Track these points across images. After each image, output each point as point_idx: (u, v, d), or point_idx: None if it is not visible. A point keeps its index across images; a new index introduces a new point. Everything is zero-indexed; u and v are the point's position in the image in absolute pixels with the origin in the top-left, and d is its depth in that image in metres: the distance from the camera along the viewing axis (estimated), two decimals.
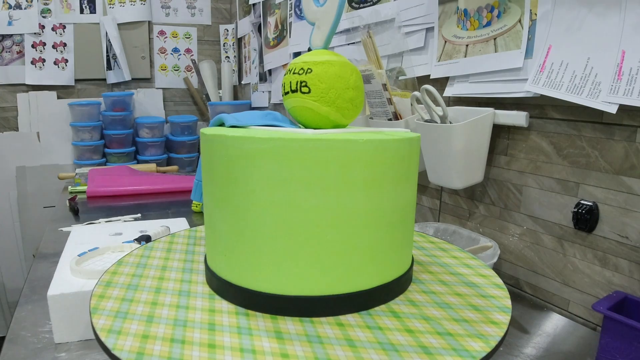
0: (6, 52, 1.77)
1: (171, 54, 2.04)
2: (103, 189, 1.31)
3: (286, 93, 0.45)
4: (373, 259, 0.41)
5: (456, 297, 0.44)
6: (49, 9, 1.80)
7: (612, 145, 0.62)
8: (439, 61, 0.87)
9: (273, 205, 0.38)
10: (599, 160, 0.63)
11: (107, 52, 1.90)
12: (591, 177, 0.65)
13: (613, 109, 0.58)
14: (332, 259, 0.39)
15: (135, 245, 0.69)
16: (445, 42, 0.85)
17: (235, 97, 2.09)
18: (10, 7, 1.74)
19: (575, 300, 0.68)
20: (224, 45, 2.09)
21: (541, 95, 0.67)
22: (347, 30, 1.13)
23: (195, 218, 1.09)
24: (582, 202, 0.65)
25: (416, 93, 0.77)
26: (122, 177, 1.41)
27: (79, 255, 0.63)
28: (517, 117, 0.73)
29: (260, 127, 0.46)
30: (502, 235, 0.79)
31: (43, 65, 1.82)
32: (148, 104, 2.02)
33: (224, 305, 0.41)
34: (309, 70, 0.43)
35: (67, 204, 1.17)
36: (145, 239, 0.72)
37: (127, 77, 1.92)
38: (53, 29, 1.82)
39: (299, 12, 1.43)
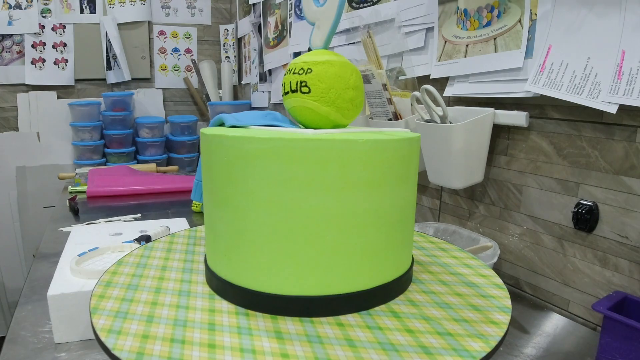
0: (6, 52, 1.77)
1: (171, 54, 2.04)
2: (103, 189, 1.31)
3: (286, 93, 0.45)
4: (373, 259, 0.41)
5: (456, 297, 0.44)
6: (49, 9, 1.80)
7: (612, 145, 0.62)
8: (439, 61, 0.87)
9: (273, 205, 0.38)
10: (599, 160, 0.63)
11: (107, 52, 1.90)
12: (591, 177, 0.65)
13: (613, 109, 0.58)
14: (332, 259, 0.39)
15: (135, 245, 0.69)
16: (445, 42, 0.85)
17: (235, 97, 2.09)
18: (10, 7, 1.74)
19: (575, 300, 0.68)
20: (224, 45, 2.09)
21: (541, 95, 0.67)
22: (347, 30, 1.13)
23: (195, 218, 1.09)
24: (582, 202, 0.65)
25: (416, 93, 0.77)
26: (122, 177, 1.41)
27: (79, 255, 0.63)
28: (517, 117, 0.73)
29: (260, 127, 0.46)
30: (502, 235, 0.79)
31: (43, 65, 1.82)
32: (148, 104, 2.02)
33: (224, 305, 0.41)
34: (309, 70, 0.43)
35: (67, 204, 1.17)
36: (145, 239, 0.72)
37: (127, 77, 1.92)
38: (53, 29, 1.82)
39: (299, 12, 1.43)
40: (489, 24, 0.76)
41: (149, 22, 1.97)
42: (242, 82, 2.01)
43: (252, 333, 0.37)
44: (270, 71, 1.67)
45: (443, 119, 0.78)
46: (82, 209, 1.16)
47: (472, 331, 0.37)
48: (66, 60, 1.86)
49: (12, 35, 1.77)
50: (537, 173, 0.72)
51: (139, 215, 1.10)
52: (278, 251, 0.39)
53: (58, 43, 1.83)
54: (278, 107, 1.65)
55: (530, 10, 0.69)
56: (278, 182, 0.38)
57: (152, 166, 1.66)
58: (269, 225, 0.38)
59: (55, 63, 1.84)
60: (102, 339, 0.36)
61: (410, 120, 0.86)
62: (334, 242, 0.39)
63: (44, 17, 1.80)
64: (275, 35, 1.59)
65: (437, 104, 0.76)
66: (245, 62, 1.96)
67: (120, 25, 1.90)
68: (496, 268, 0.79)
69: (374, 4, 1.03)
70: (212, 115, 1.90)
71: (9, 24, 1.75)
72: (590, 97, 0.60)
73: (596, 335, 0.63)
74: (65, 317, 0.55)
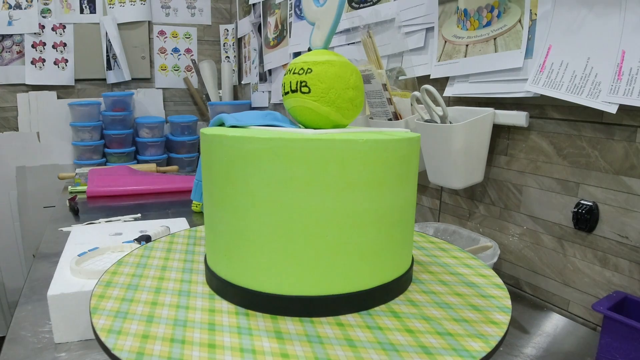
0: (6, 52, 1.77)
1: (171, 54, 2.04)
2: (103, 189, 1.31)
3: (286, 93, 0.45)
4: (373, 259, 0.41)
5: (456, 297, 0.44)
6: (49, 9, 1.80)
7: (612, 145, 0.62)
8: (439, 61, 0.87)
9: (273, 205, 0.38)
10: (599, 160, 0.63)
11: (107, 52, 1.90)
12: (591, 177, 0.65)
13: (613, 109, 0.58)
14: (332, 259, 0.39)
15: (135, 245, 0.69)
16: (445, 42, 0.85)
17: (235, 97, 2.09)
18: (10, 7, 1.74)
19: (575, 300, 0.68)
20: (224, 45, 2.09)
21: (541, 95, 0.67)
22: (347, 30, 1.13)
23: (195, 218, 1.09)
24: (582, 202, 0.65)
25: (416, 93, 0.77)
26: (122, 177, 1.41)
27: (79, 255, 0.63)
28: (517, 117, 0.73)
29: (260, 127, 0.46)
30: (502, 235, 0.79)
31: (43, 65, 1.82)
32: (148, 104, 2.02)
33: (224, 305, 0.41)
34: (309, 70, 0.43)
35: (67, 204, 1.17)
36: (145, 239, 0.72)
37: (127, 77, 1.92)
38: (53, 29, 1.82)
39: (299, 12, 1.43)
40: (489, 24, 0.76)
41: (149, 22, 1.97)
42: (242, 82, 2.01)
43: (252, 333, 0.37)
44: (270, 71, 1.67)
45: (443, 119, 0.78)
46: (82, 209, 1.16)
47: (472, 331, 0.37)
48: (66, 60, 1.86)
49: (12, 35, 1.77)
50: (537, 173, 0.72)
51: (139, 215, 1.10)
52: (278, 251, 0.39)
53: (58, 43, 1.83)
54: (278, 107, 1.65)
55: (530, 10, 0.69)
56: (278, 182, 0.38)
57: (152, 166, 1.66)
58: (269, 225, 0.38)
59: (55, 63, 1.84)
60: (102, 339, 0.36)
61: (410, 120, 0.86)
62: (334, 242, 0.39)
63: (44, 17, 1.80)
64: (275, 35, 1.59)
65: (437, 104, 0.76)
66: (245, 62, 1.96)
67: (120, 25, 1.90)
68: (496, 268, 0.79)
69: (374, 4, 1.03)
70: (212, 115, 1.90)
71: (9, 24, 1.75)
72: (590, 97, 0.60)
73: (596, 335, 0.63)
74: (65, 317, 0.55)
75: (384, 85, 0.86)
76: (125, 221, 1.00)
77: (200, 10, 2.05)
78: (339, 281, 0.39)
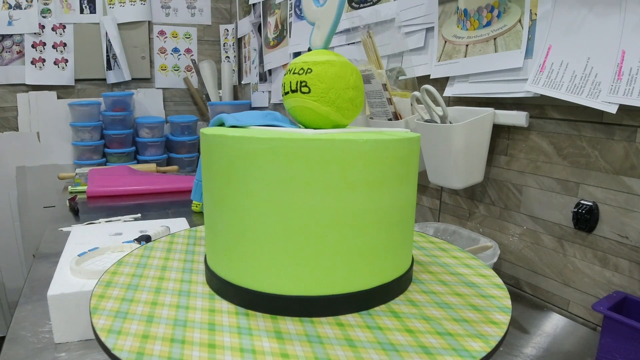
0: (6, 52, 1.77)
1: (171, 54, 2.04)
2: (103, 189, 1.31)
3: (286, 93, 0.45)
4: (373, 259, 0.41)
5: (456, 297, 0.44)
6: (49, 9, 1.80)
7: (612, 145, 0.62)
8: (439, 61, 0.87)
9: (273, 205, 0.38)
10: (599, 160, 0.63)
11: (107, 52, 1.90)
12: (591, 177, 0.65)
13: (613, 109, 0.58)
14: (332, 259, 0.39)
15: (135, 245, 0.69)
16: (445, 42, 0.85)
17: (235, 97, 2.09)
18: (10, 7, 1.74)
19: (575, 300, 0.68)
20: (224, 45, 2.09)
21: (541, 95, 0.67)
22: (347, 30, 1.13)
23: (195, 218, 1.09)
24: (582, 202, 0.65)
25: (416, 93, 0.77)
26: (122, 177, 1.41)
27: (79, 255, 0.63)
28: (517, 117, 0.73)
29: (260, 127, 0.46)
30: (502, 235, 0.79)
31: (43, 65, 1.82)
32: (148, 104, 2.02)
33: (224, 305, 0.41)
34: (309, 70, 0.43)
35: (67, 204, 1.17)
36: (145, 239, 0.72)
37: (127, 77, 1.92)
38: (53, 29, 1.82)
39: (299, 12, 1.43)
40: (489, 24, 0.76)
41: (149, 22, 1.97)
42: (242, 82, 2.01)
43: (252, 333, 0.37)
44: (270, 71, 1.67)
45: (443, 119, 0.78)
46: (82, 209, 1.16)
47: (472, 331, 0.37)
48: (66, 60, 1.86)
49: (12, 35, 1.77)
50: (537, 173, 0.72)
51: (139, 215, 1.10)
52: (278, 251, 0.39)
53: (58, 43, 1.83)
54: (278, 107, 1.65)
55: (530, 10, 0.69)
56: (278, 182, 0.38)
57: (152, 166, 1.66)
58: (269, 225, 0.38)
59: (55, 63, 1.84)
60: (102, 339, 0.36)
61: (410, 120, 0.86)
62: (334, 242, 0.39)
63: (44, 17, 1.80)
64: (275, 35, 1.59)
65: (437, 104, 0.76)
66: (245, 62, 1.96)
67: (120, 25, 1.90)
68: (496, 268, 0.79)
69: (374, 4, 1.03)
70: (212, 115, 1.90)
71: (9, 24, 1.75)
72: (590, 97, 0.60)
73: (596, 335, 0.63)
74: (65, 317, 0.55)
75: (384, 85, 0.86)
76: (125, 221, 1.00)
77: (200, 10, 2.05)
78: (339, 281, 0.39)
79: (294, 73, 0.44)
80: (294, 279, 0.39)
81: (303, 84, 0.43)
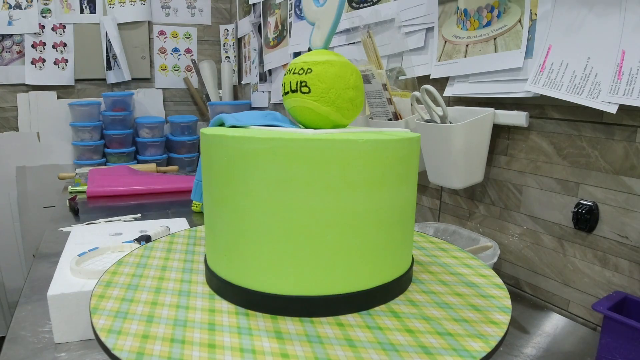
0: (6, 52, 1.77)
1: (171, 54, 2.04)
2: (103, 189, 1.31)
3: (286, 93, 0.45)
4: (373, 259, 0.41)
5: (456, 297, 0.44)
6: (49, 9, 1.80)
7: (612, 145, 0.62)
8: (439, 61, 0.87)
9: (273, 205, 0.38)
10: (599, 160, 0.63)
11: (107, 52, 1.90)
12: (591, 177, 0.65)
13: (613, 109, 0.58)
14: (332, 259, 0.39)
15: (135, 245, 0.69)
16: (445, 42, 0.85)
17: (235, 97, 2.09)
18: (10, 7, 1.74)
19: (575, 300, 0.68)
20: (224, 45, 2.09)
21: (541, 95, 0.67)
22: (347, 30, 1.13)
23: (195, 218, 1.09)
24: (582, 202, 0.65)
25: (416, 93, 0.77)
26: (122, 177, 1.41)
27: (79, 255, 0.63)
28: (517, 117, 0.73)
29: (260, 127, 0.46)
30: (502, 235, 0.79)
31: (43, 65, 1.82)
32: (148, 104, 2.02)
33: (224, 305, 0.41)
34: (309, 70, 0.43)
35: (67, 204, 1.17)
36: (145, 239, 0.72)
37: (127, 77, 1.92)
38: (53, 29, 1.82)
39: (299, 12, 1.43)
40: (489, 24, 0.76)
41: (149, 22, 1.97)
42: (242, 82, 2.01)
43: (252, 333, 0.37)
44: (270, 71, 1.67)
45: (443, 119, 0.78)
46: (82, 209, 1.16)
47: (472, 331, 0.37)
48: (66, 60, 1.86)
49: (12, 35, 1.77)
50: (537, 173, 0.72)
51: (139, 215, 1.10)
52: (278, 251, 0.39)
53: (58, 43, 1.83)
54: (278, 107, 1.65)
55: (530, 10, 0.69)
56: (278, 182, 0.38)
57: (152, 166, 1.66)
58: (269, 225, 0.38)
59: (55, 63, 1.84)
60: (102, 339, 0.36)
61: (410, 120, 0.86)
62: (334, 242, 0.39)
63: (44, 17, 1.80)
64: (275, 35, 1.59)
65: (437, 104, 0.76)
66: (245, 62, 1.96)
67: (120, 25, 1.90)
68: (496, 268, 0.79)
69: (374, 4, 1.03)
70: (212, 115, 1.90)
71: (9, 24, 1.75)
72: (590, 97, 0.60)
73: (596, 335, 0.63)
74: (65, 317, 0.55)
75: (384, 85, 0.86)
76: (125, 221, 1.00)
77: (200, 10, 2.05)
78: (339, 281, 0.39)
79: (294, 73, 0.44)
80: (294, 279, 0.39)
81: (303, 84, 0.43)
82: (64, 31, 1.84)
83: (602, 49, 0.60)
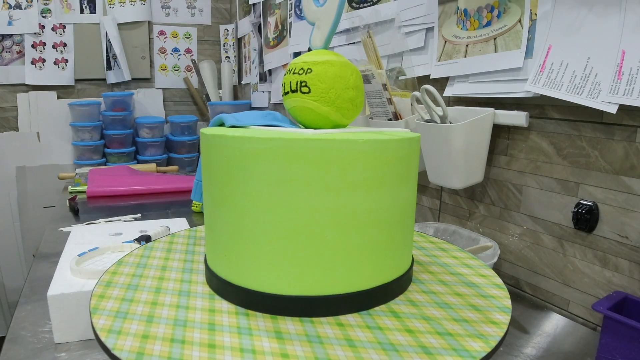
0: (6, 52, 1.77)
1: (171, 54, 2.04)
2: (103, 189, 1.31)
3: (286, 93, 0.45)
4: (373, 259, 0.41)
5: (456, 297, 0.44)
6: (49, 9, 1.80)
7: (612, 145, 0.62)
8: (439, 61, 0.87)
9: (273, 205, 0.38)
10: (599, 160, 0.63)
11: (107, 52, 1.90)
12: (591, 177, 0.65)
13: (613, 109, 0.58)
14: (332, 259, 0.39)
15: (135, 245, 0.69)
16: (445, 42, 0.85)
17: (235, 97, 2.09)
18: (10, 7, 1.74)
19: (575, 300, 0.68)
20: (224, 45, 2.09)
21: (541, 95, 0.67)
22: (347, 30, 1.13)
23: (195, 218, 1.09)
24: (582, 202, 0.65)
25: (416, 93, 0.77)
26: (122, 177, 1.41)
27: (79, 255, 0.63)
28: (517, 117, 0.73)
29: (260, 127, 0.46)
30: (502, 235, 0.79)
31: (43, 65, 1.82)
32: (148, 104, 2.02)
33: (224, 305, 0.41)
34: (309, 70, 0.43)
35: (67, 204, 1.17)
36: (145, 239, 0.72)
37: (127, 77, 1.92)
38: (53, 29, 1.82)
39: (299, 12, 1.43)
40: (489, 24, 0.76)
41: (149, 22, 1.97)
42: (242, 82, 2.01)
43: (252, 333, 0.37)
44: (270, 71, 1.67)
45: (443, 119, 0.78)
46: (82, 209, 1.16)
47: (472, 331, 0.37)
48: (66, 60, 1.86)
49: (12, 35, 1.77)
50: (537, 173, 0.72)
51: (139, 215, 1.10)
52: (278, 251, 0.39)
53: (58, 43, 1.83)
54: (278, 107, 1.65)
55: (530, 10, 0.69)
56: (278, 182, 0.38)
57: (152, 166, 1.66)
58: (268, 225, 0.38)
59: (55, 63, 1.84)
60: (102, 339, 0.36)
61: (410, 120, 0.86)
62: (334, 242, 0.39)
63: (44, 17, 1.80)
64: (275, 35, 1.59)
65: (437, 104, 0.76)
66: (245, 62, 1.96)
67: (120, 25, 1.90)
68: (496, 268, 0.79)
69: (374, 4, 1.03)
70: (212, 115, 1.90)
71: (9, 24, 1.75)
72: (590, 97, 0.60)
73: (596, 335, 0.63)
74: (65, 317, 0.55)
75: (384, 85, 0.86)
76: (125, 221, 1.00)
77: (200, 10, 2.05)
78: (339, 281, 0.39)
79: (294, 73, 0.44)
80: (294, 279, 0.39)
81: (303, 84, 0.43)
82: (64, 31, 1.84)
83: (602, 49, 0.60)
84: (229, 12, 2.09)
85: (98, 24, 1.87)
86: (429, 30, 0.89)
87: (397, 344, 0.35)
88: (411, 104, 0.82)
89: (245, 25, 1.89)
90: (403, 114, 0.89)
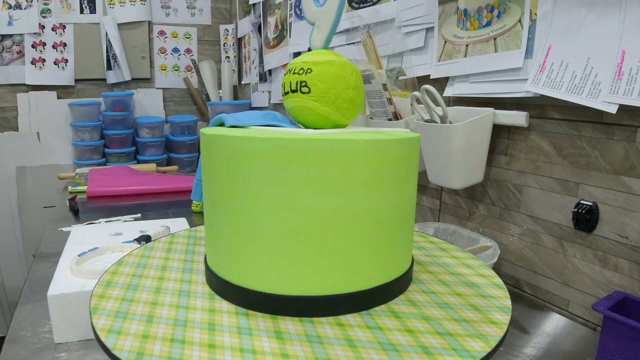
0: (6, 52, 1.77)
1: (171, 54, 2.04)
2: (103, 189, 1.31)
3: (286, 93, 0.45)
4: (373, 259, 0.41)
5: (456, 297, 0.44)
6: (49, 9, 1.80)
7: (612, 145, 0.62)
8: (439, 61, 0.87)
9: (273, 205, 0.38)
10: (599, 160, 0.63)
11: (107, 52, 1.90)
12: (591, 177, 0.65)
13: (613, 109, 0.58)
14: (332, 259, 0.39)
15: (135, 245, 0.69)
16: (445, 42, 0.85)
17: (235, 97, 2.09)
18: (10, 7, 1.74)
19: (575, 300, 0.68)
20: (224, 45, 2.09)
21: (541, 95, 0.67)
22: (347, 30, 1.13)
23: (195, 218, 1.09)
24: (582, 202, 0.65)
25: (416, 93, 0.77)
26: (122, 177, 1.41)
27: (79, 255, 0.63)
28: (517, 117, 0.73)
29: (260, 127, 0.46)
30: (502, 235, 0.79)
31: (43, 65, 1.82)
32: (148, 104, 2.02)
33: (224, 305, 0.41)
34: (309, 70, 0.43)
35: (67, 204, 1.17)
36: (145, 239, 0.72)
37: (127, 77, 1.92)
38: (53, 29, 1.82)
39: (299, 12, 1.43)
40: (489, 24, 0.76)
41: (149, 22, 1.97)
42: (242, 82, 2.01)
43: (252, 333, 0.37)
44: (270, 71, 1.67)
45: (443, 119, 0.78)
46: (82, 209, 1.16)
47: (472, 331, 0.37)
48: (66, 60, 1.86)
49: (12, 35, 1.77)
50: (537, 173, 0.72)
51: (139, 215, 1.10)
52: (278, 251, 0.39)
53: (58, 43, 1.83)
54: (278, 107, 1.65)
55: (530, 10, 0.69)
56: (278, 182, 0.38)
57: (152, 166, 1.66)
58: (268, 225, 0.38)
59: (55, 63, 1.84)
60: (102, 339, 0.36)
61: (410, 120, 0.86)
62: (334, 242, 0.39)
63: (44, 17, 1.80)
64: (275, 35, 1.59)
65: (437, 104, 0.76)
66: (245, 62, 1.96)
67: (120, 25, 1.90)
68: (496, 268, 0.79)
69: (374, 4, 1.03)
70: (212, 115, 1.90)
71: (9, 24, 1.75)
72: (590, 97, 0.60)
73: (596, 335, 0.63)
74: (65, 317, 0.55)
75: (384, 85, 0.86)
76: (125, 221, 1.00)
77: (200, 10, 2.05)
78: (339, 281, 0.39)
79: (294, 73, 0.44)
80: (294, 279, 0.39)
81: (303, 84, 0.43)
82: (64, 31, 1.84)
83: (602, 49, 0.60)
84: (229, 12, 2.09)
85: (98, 24, 1.87)
86: (429, 30, 0.89)
87: (397, 344, 0.35)
88: (411, 104, 0.82)
89: (245, 25, 1.89)
90: (403, 114, 0.89)
